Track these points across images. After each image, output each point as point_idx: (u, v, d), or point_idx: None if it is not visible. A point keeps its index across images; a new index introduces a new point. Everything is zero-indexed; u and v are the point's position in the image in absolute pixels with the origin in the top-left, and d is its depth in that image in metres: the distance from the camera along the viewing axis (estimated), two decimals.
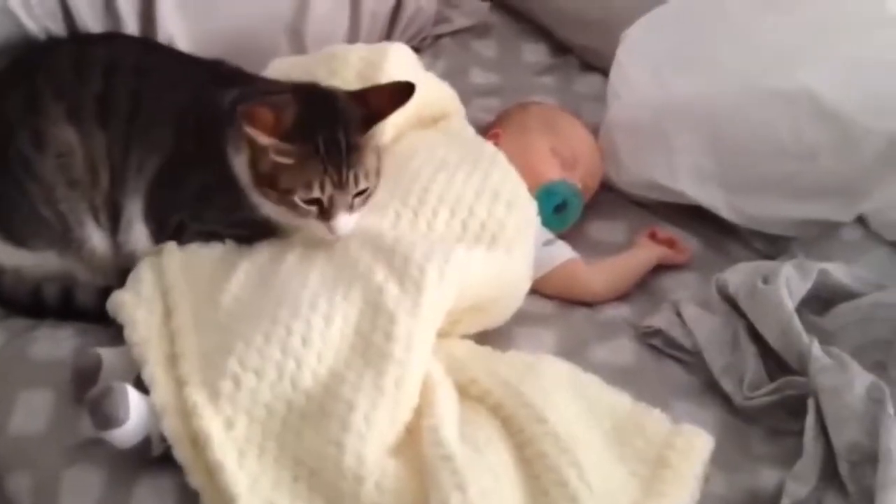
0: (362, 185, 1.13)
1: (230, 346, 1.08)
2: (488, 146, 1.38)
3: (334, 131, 1.11)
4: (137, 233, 1.23)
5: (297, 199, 1.12)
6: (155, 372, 1.08)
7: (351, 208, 1.14)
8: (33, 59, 1.28)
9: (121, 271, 1.22)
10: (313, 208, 1.13)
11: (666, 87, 1.47)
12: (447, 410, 1.10)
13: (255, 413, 1.06)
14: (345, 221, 1.14)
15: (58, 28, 1.36)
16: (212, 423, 1.04)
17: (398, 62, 1.35)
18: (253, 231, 1.21)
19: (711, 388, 1.22)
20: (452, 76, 1.59)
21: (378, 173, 1.17)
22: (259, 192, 1.15)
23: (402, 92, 1.15)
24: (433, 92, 1.42)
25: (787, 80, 1.38)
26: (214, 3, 1.49)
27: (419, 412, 1.10)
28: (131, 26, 1.42)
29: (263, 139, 1.10)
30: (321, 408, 1.06)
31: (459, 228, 1.25)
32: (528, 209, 1.32)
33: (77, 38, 1.37)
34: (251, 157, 1.14)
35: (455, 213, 1.26)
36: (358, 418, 1.04)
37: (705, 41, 1.48)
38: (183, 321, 1.14)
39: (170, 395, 1.07)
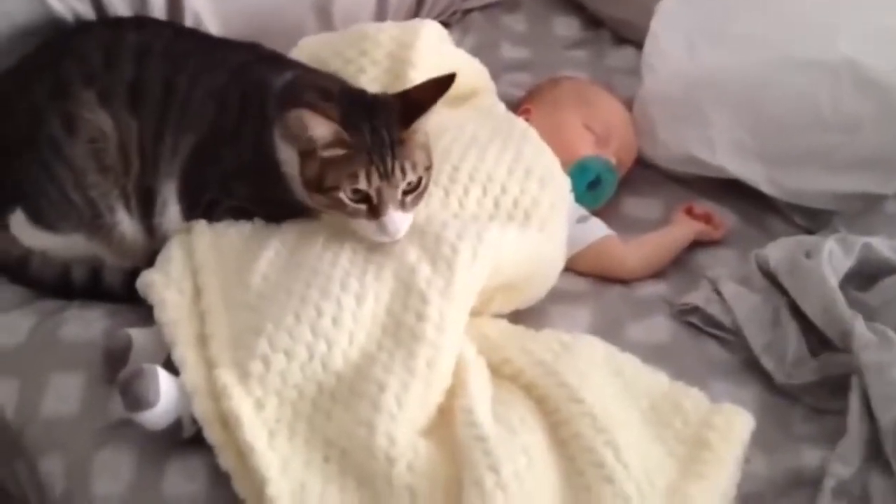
0: (410, 177, 1.10)
1: (260, 326, 1.07)
2: (519, 122, 1.36)
3: (377, 126, 1.10)
4: (172, 213, 1.22)
5: (344, 195, 1.09)
6: (185, 353, 1.08)
7: (402, 206, 1.11)
8: (62, 43, 1.27)
9: (150, 255, 1.21)
10: (362, 207, 1.10)
11: (702, 58, 1.45)
12: (480, 391, 1.09)
13: (285, 394, 1.05)
14: (397, 219, 1.11)
15: (84, 8, 1.34)
16: (242, 404, 1.03)
17: (429, 41, 1.33)
18: (284, 210, 1.20)
19: (751, 367, 1.20)
20: (482, 51, 1.56)
21: (428, 170, 1.14)
22: (309, 198, 1.14)
23: (441, 84, 1.13)
24: (463, 69, 1.37)
25: (827, 50, 1.35)
26: None
27: (452, 393, 1.09)
28: (157, 3, 1.39)
29: (321, 129, 1.08)
30: (351, 389, 1.05)
31: (492, 206, 1.23)
32: (562, 186, 1.30)
33: (106, 23, 1.35)
34: (300, 161, 1.13)
35: (487, 191, 1.23)
36: (389, 399, 1.03)
37: (742, 12, 1.45)
38: (212, 301, 1.13)
39: (200, 377, 1.06)
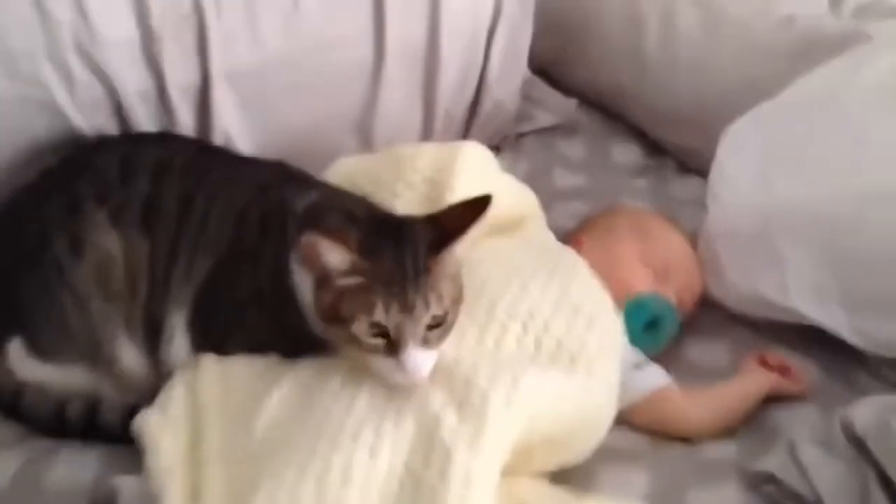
0: (435, 310, 1.01)
1: (258, 481, 0.95)
2: (568, 253, 1.26)
3: (401, 254, 1.01)
4: (179, 345, 1.14)
5: (359, 329, 1.00)
6: None
7: (425, 343, 1.01)
8: (81, 158, 1.23)
9: (154, 390, 1.11)
10: (380, 342, 1.00)
11: (774, 189, 1.33)
12: None
13: None
14: (418, 357, 1.00)
15: (109, 125, 1.31)
16: None
17: (471, 164, 1.25)
18: (301, 344, 1.10)
19: None
20: (535, 177, 1.51)
21: (456, 303, 1.04)
22: (325, 330, 1.05)
23: (476, 208, 1.04)
24: (509, 196, 1.31)
25: None
26: (276, 98, 1.41)
27: None
28: (186, 122, 1.35)
29: (335, 256, 0.99)
30: None
31: (532, 347, 1.11)
32: (614, 326, 1.19)
33: (128, 138, 1.32)
34: (315, 290, 1.04)
35: (528, 330, 1.12)
36: None
37: (819, 140, 1.34)
38: (212, 448, 1.02)
39: None
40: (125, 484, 1.02)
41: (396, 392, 1.02)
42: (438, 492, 0.94)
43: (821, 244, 1.28)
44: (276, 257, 1.10)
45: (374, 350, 1.01)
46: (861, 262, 1.25)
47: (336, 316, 1.01)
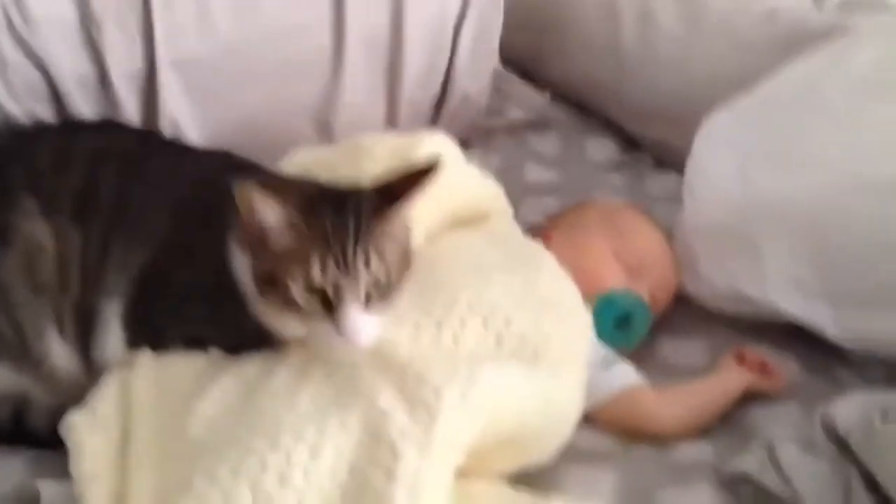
0: (375, 269, 0.96)
1: (188, 482, 0.89)
2: (534, 246, 1.20)
3: (342, 213, 0.97)
4: (114, 341, 1.08)
5: (296, 289, 0.95)
6: None
7: (367, 305, 0.96)
8: (14, 146, 1.17)
9: (86, 391, 1.05)
10: (318, 305, 0.95)
11: (753, 182, 1.29)
12: None
13: None
14: (359, 321, 0.95)
15: (45, 111, 1.26)
16: None
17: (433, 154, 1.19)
18: (245, 339, 1.05)
19: None
20: (506, 172, 1.47)
21: (401, 269, 1.00)
22: (262, 299, 0.99)
23: (425, 172, 0.99)
24: (474, 189, 1.26)
25: None
26: (229, 87, 1.36)
27: None
28: (130, 109, 1.30)
29: (270, 211, 0.95)
30: None
31: (493, 343, 1.05)
32: (581, 322, 1.13)
33: (67, 126, 1.27)
34: (251, 259, 1.00)
35: (488, 324, 1.06)
36: None
37: (800, 132, 1.30)
38: (142, 449, 0.97)
39: None
40: (50, 489, 0.97)
41: (344, 387, 0.96)
42: (384, 495, 0.89)
43: (802, 237, 1.24)
44: (215, 244, 1.05)
45: (312, 314, 0.96)
46: (846, 255, 1.22)
47: (272, 280, 0.96)
